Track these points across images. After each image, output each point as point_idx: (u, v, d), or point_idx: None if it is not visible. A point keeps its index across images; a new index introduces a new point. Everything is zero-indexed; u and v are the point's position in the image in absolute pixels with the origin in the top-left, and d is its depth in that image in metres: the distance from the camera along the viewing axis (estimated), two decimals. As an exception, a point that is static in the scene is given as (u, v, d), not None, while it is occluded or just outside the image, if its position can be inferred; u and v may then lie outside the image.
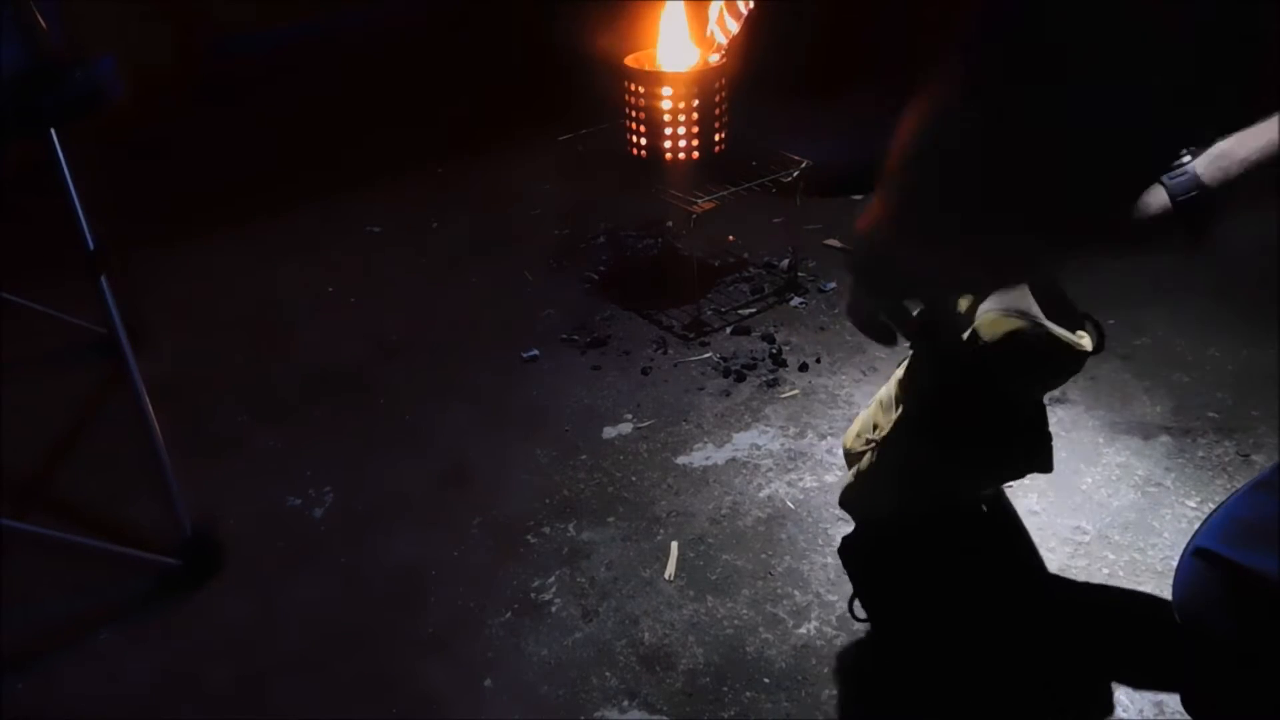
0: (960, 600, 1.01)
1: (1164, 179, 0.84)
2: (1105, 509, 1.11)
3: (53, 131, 1.14)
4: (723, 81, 1.50)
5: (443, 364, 1.47)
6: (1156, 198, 0.83)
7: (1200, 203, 0.81)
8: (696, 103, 1.48)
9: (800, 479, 1.19)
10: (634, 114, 1.52)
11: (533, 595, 1.05)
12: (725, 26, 1.52)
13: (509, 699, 0.94)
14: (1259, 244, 1.29)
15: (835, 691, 0.92)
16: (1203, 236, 0.81)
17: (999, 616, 0.99)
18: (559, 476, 1.22)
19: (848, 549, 1.07)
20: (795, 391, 1.35)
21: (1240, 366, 1.33)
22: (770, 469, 1.21)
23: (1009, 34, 0.46)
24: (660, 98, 1.48)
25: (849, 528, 1.10)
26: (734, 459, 1.23)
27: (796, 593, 1.03)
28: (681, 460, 1.24)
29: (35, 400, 1.42)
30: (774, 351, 1.44)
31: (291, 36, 2.56)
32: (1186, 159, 0.84)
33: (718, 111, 1.51)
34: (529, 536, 1.13)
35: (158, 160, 2.22)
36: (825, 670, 0.94)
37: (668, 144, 1.52)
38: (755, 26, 1.55)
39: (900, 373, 0.99)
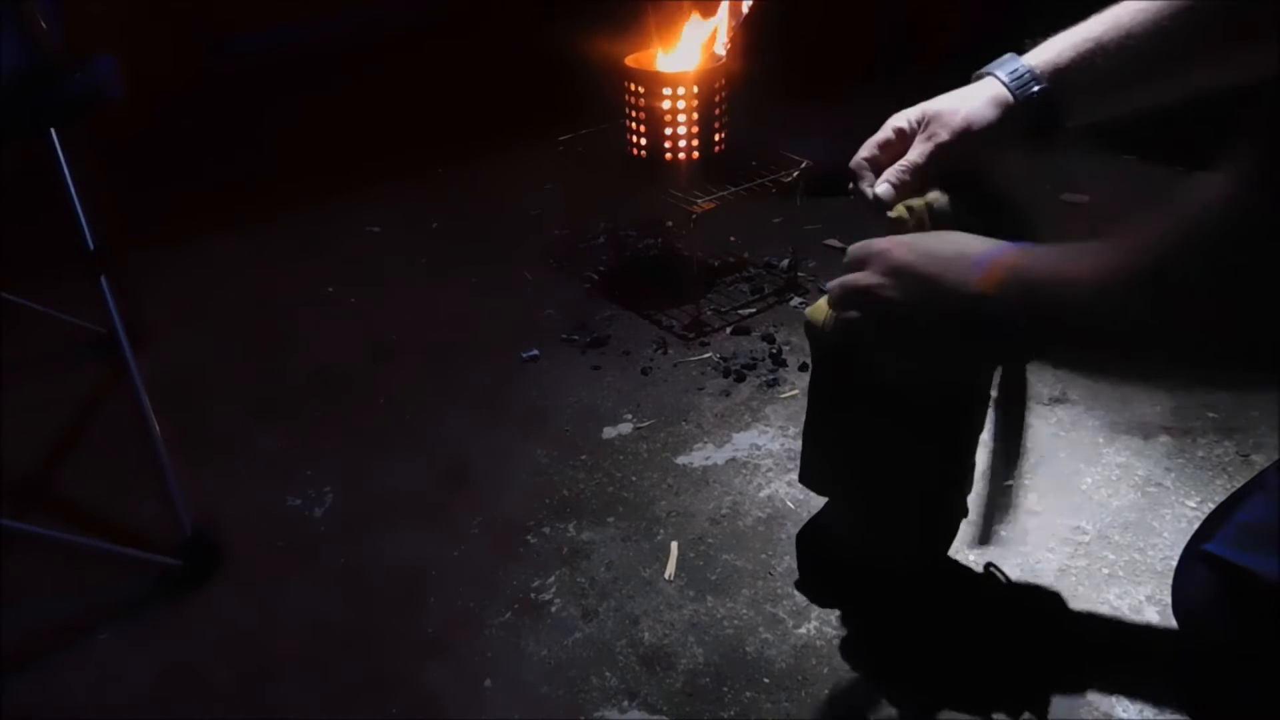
0: (959, 600, 1.01)
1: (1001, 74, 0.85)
2: (1105, 509, 1.11)
3: (53, 131, 1.14)
4: (723, 81, 1.50)
5: (442, 364, 1.47)
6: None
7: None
8: (696, 103, 1.48)
9: (800, 479, 1.19)
10: (634, 114, 1.52)
11: (533, 595, 1.05)
12: (727, 26, 1.52)
13: (509, 699, 0.94)
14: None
15: (835, 691, 0.92)
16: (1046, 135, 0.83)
17: (999, 616, 0.99)
18: (559, 476, 1.22)
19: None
20: (795, 391, 1.35)
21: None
22: (770, 469, 1.21)
23: None
24: (660, 98, 1.48)
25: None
26: (734, 459, 1.23)
27: (796, 593, 1.03)
28: (681, 460, 1.24)
29: (35, 400, 1.42)
30: (774, 351, 1.44)
31: (291, 36, 2.56)
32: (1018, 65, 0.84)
33: (718, 111, 1.51)
34: (529, 536, 1.13)
35: (157, 160, 2.22)
36: (825, 670, 0.94)
37: (668, 144, 1.52)
38: (755, 26, 1.55)
39: None
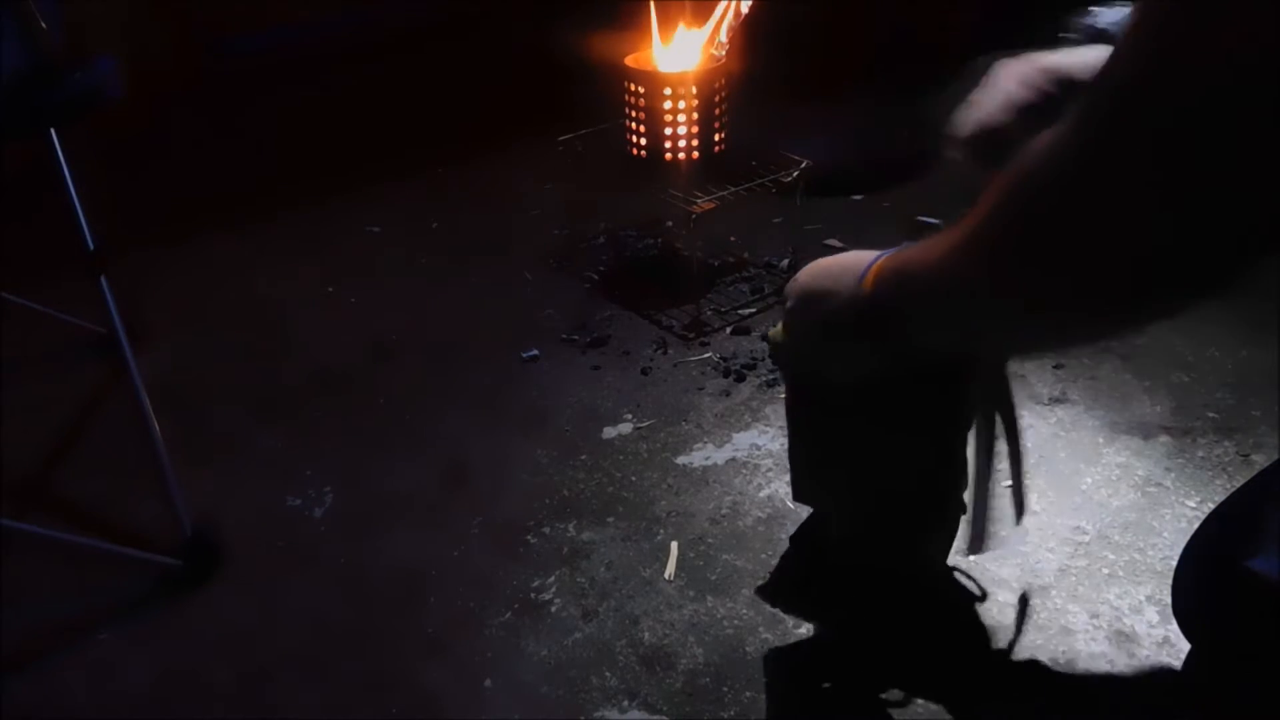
0: (959, 601, 1.01)
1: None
2: (1105, 509, 1.11)
3: (53, 131, 1.14)
4: (723, 81, 1.50)
5: (442, 364, 1.47)
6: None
7: None
8: (696, 103, 1.48)
9: (800, 479, 1.19)
10: (634, 114, 1.52)
11: (533, 595, 1.05)
12: (727, 26, 1.52)
13: (509, 699, 0.94)
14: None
15: (834, 691, 0.92)
16: None
17: (998, 617, 0.99)
18: (559, 476, 1.22)
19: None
20: (795, 391, 1.35)
21: (1240, 366, 1.33)
22: (770, 469, 1.21)
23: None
24: (660, 98, 1.48)
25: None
26: (734, 459, 1.23)
27: (796, 593, 1.03)
28: (681, 460, 1.24)
29: (35, 400, 1.42)
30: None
31: (291, 36, 2.56)
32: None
33: (718, 111, 1.51)
34: (529, 536, 1.13)
35: (157, 160, 2.22)
36: (825, 670, 0.94)
37: (668, 144, 1.52)
38: (755, 26, 1.55)
39: None
